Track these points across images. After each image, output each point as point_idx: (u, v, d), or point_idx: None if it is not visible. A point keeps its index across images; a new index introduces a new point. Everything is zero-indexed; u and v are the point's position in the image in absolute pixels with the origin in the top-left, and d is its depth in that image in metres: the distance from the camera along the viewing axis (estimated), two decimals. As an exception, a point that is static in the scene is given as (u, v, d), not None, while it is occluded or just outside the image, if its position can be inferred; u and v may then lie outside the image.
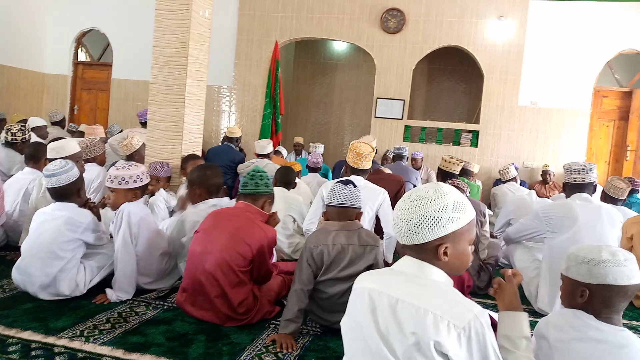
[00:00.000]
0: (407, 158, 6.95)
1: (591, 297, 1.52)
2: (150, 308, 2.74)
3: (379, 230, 3.70)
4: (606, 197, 4.22)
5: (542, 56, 7.78)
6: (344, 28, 8.21)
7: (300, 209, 3.92)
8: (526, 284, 3.24)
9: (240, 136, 6.91)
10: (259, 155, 5.64)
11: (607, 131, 8.03)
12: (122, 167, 2.95)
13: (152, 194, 3.96)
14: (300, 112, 10.20)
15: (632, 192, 5.24)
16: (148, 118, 4.42)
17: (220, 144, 8.03)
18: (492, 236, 4.15)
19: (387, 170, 4.94)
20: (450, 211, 1.31)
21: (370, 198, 3.54)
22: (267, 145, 5.66)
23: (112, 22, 9.01)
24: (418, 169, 7.36)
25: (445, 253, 1.33)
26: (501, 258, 3.78)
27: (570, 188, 3.14)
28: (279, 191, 3.78)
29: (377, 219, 3.67)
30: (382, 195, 3.61)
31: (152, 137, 4.38)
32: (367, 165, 3.66)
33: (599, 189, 4.40)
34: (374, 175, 4.34)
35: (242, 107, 8.57)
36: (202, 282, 2.56)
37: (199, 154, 4.53)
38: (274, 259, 3.18)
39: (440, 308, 1.25)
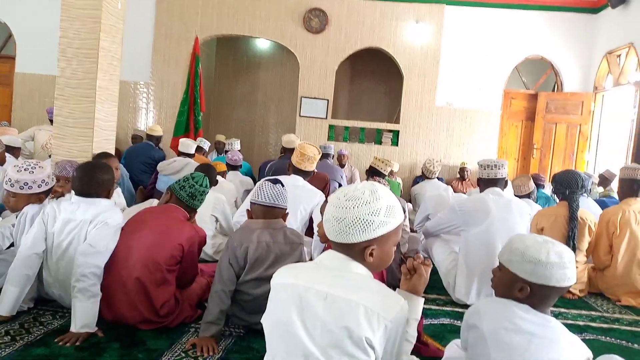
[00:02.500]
0: (333, 156, 7.02)
1: (531, 294, 1.53)
2: (57, 317, 2.52)
3: (309, 230, 3.69)
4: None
5: (457, 59, 8.17)
6: (267, 26, 8.14)
7: (223, 208, 3.81)
8: (444, 275, 3.37)
9: (161, 135, 6.65)
10: (182, 154, 5.44)
11: (516, 131, 8.59)
12: (25, 170, 2.69)
13: (62, 195, 3.66)
14: (223, 110, 9.98)
15: (537, 187, 5.62)
16: (55, 114, 4.09)
17: (131, 142, 7.68)
18: (412, 231, 4.28)
19: (312, 169, 4.94)
20: (382, 215, 1.32)
21: (307, 198, 3.55)
22: (191, 144, 5.48)
23: (15, 10, 8.29)
24: (343, 166, 7.46)
25: (371, 254, 1.35)
26: (421, 251, 3.90)
27: (484, 183, 3.30)
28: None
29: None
30: (318, 197, 3.63)
31: (59, 135, 4.06)
32: (309, 167, 3.68)
33: (511, 185, 4.70)
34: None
35: (160, 104, 8.24)
36: (124, 280, 2.39)
37: (112, 152, 4.26)
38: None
39: (371, 301, 1.27)
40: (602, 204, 4.73)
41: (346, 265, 1.36)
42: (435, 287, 3.34)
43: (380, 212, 1.32)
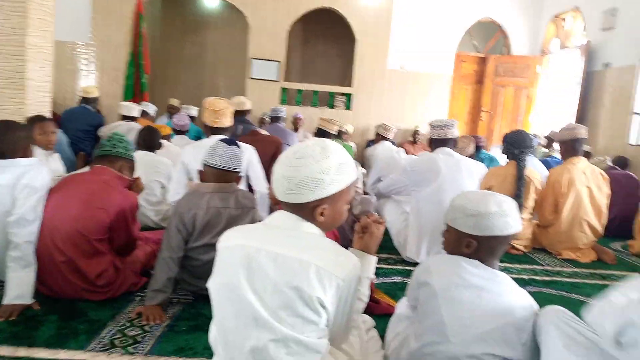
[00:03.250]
0: (285, 120, 6.88)
1: (478, 248, 1.55)
2: (-11, 291, 2.36)
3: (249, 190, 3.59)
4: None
5: (409, 22, 8.11)
6: (214, -17, 7.76)
7: (168, 172, 3.66)
8: (396, 235, 3.40)
9: (98, 97, 6.21)
10: (125, 118, 5.16)
11: (466, 94, 8.71)
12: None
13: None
14: (170, 72, 9.56)
15: (478, 148, 5.74)
16: (-20, 74, 3.75)
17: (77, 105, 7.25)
18: (365, 193, 4.29)
19: (264, 132, 4.82)
20: (333, 173, 1.28)
21: None
22: (133, 107, 5.19)
23: None
24: (297, 129, 7.36)
25: (322, 214, 1.31)
26: (373, 212, 3.91)
27: (435, 143, 3.31)
28: (142, 155, 3.49)
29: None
30: (248, 151, 3.47)
31: (-14, 96, 3.74)
32: (227, 122, 3.47)
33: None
34: (250, 137, 4.20)
35: (102, 66, 7.77)
36: (52, 256, 2.25)
37: (49, 115, 3.98)
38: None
39: (322, 259, 1.24)
40: (546, 163, 4.88)
41: (298, 225, 1.32)
42: (386, 247, 3.37)
43: (332, 169, 1.28)
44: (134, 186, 2.62)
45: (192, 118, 6.97)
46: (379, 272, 2.99)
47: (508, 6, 8.24)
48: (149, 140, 3.66)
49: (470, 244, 1.55)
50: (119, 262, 2.46)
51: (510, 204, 1.56)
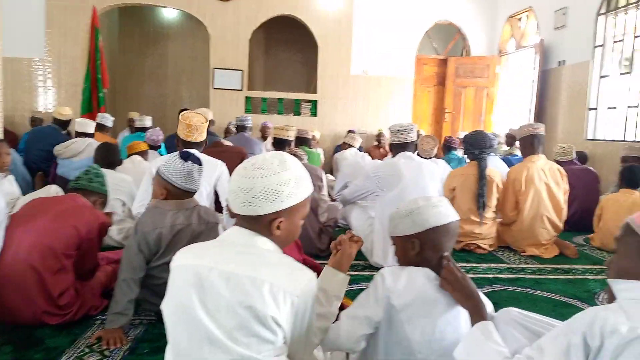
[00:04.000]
0: (251, 128, 6.84)
1: (422, 246, 1.55)
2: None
3: (217, 206, 3.54)
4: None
5: (370, 26, 8.20)
6: (172, -7, 7.68)
7: (129, 190, 3.57)
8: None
9: (70, 119, 5.78)
10: (80, 134, 5.00)
11: (429, 96, 8.84)
12: None
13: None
14: (131, 86, 9.39)
15: (450, 149, 5.84)
16: None
17: (30, 125, 7.00)
18: (333, 199, 4.28)
19: (227, 143, 4.78)
20: (291, 186, 1.26)
21: (207, 172, 3.33)
22: (87, 123, 5.04)
23: None
24: (266, 138, 7.34)
25: (278, 227, 1.28)
26: (340, 219, 3.92)
27: (396, 148, 3.34)
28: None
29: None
30: (219, 168, 3.44)
31: None
32: (200, 137, 3.44)
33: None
34: (213, 149, 4.16)
35: (59, 82, 7.57)
36: (16, 271, 2.16)
37: (1, 135, 3.84)
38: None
39: (276, 276, 1.21)
40: (508, 161, 4.99)
41: (252, 241, 1.29)
42: (354, 253, 3.36)
43: (290, 182, 1.26)
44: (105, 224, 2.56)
45: (145, 129, 6.79)
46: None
47: (465, 8, 8.42)
48: (107, 157, 3.57)
49: (414, 244, 1.56)
50: (79, 284, 2.38)
51: (439, 198, 1.60)
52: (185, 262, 1.31)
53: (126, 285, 2.20)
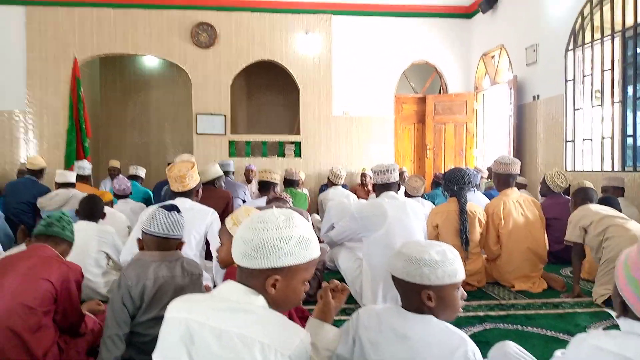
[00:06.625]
0: (234, 172, 6.85)
1: (437, 300, 1.51)
2: None
3: (208, 254, 3.49)
4: (407, 196, 4.72)
5: (349, 68, 8.41)
6: (153, 43, 7.82)
7: (112, 241, 3.49)
8: (351, 283, 3.37)
9: (44, 168, 5.92)
10: (61, 185, 4.94)
11: (410, 134, 9.00)
12: None
13: None
14: (113, 134, 9.41)
15: (438, 185, 5.91)
16: None
17: (17, 177, 6.95)
18: (320, 241, 4.26)
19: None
20: (292, 244, 1.25)
21: (198, 220, 3.32)
22: (68, 173, 4.99)
23: None
24: (250, 181, 7.35)
25: (274, 285, 1.26)
26: (327, 262, 3.89)
27: (379, 188, 3.37)
28: (84, 225, 3.35)
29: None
30: (210, 215, 3.41)
31: None
32: (192, 184, 3.44)
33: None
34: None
35: (41, 134, 7.56)
36: None
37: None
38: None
39: (267, 336, 1.19)
40: (489, 195, 5.04)
41: (245, 298, 1.27)
42: (343, 296, 3.33)
43: (291, 240, 1.25)
44: None
45: (139, 178, 6.81)
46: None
47: (439, 48, 8.70)
48: (90, 209, 3.51)
49: (430, 296, 1.52)
50: (62, 341, 2.31)
51: (453, 251, 1.55)
52: (177, 314, 1.29)
53: (111, 342, 2.14)
